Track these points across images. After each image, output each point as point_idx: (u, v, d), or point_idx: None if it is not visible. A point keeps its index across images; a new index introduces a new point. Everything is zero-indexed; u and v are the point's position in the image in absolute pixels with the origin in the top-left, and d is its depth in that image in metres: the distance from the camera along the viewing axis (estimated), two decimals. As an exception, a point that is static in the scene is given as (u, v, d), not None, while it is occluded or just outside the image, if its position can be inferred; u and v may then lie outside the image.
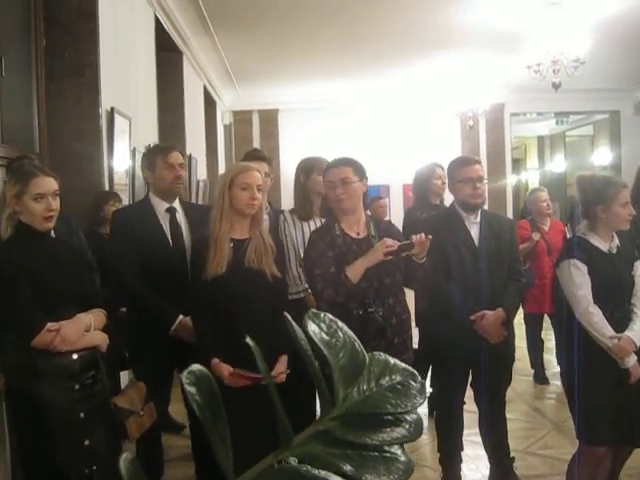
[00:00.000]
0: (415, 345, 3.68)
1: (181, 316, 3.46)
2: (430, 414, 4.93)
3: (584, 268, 3.17)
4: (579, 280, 3.17)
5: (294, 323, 0.73)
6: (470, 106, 10.72)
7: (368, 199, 3.59)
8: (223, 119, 12.36)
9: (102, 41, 4.74)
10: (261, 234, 3.26)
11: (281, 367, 3.10)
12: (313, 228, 3.78)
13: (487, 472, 3.99)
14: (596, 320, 3.12)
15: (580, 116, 14.90)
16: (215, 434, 0.65)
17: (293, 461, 0.73)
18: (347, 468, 0.69)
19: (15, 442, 2.94)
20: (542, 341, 6.25)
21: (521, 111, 13.30)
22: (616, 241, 3.30)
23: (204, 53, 8.81)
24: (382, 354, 0.80)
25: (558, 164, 17.06)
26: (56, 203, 2.77)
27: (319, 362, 0.74)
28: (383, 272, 3.25)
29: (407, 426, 0.75)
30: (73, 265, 2.86)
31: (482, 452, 4.01)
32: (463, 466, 3.99)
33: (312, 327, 0.76)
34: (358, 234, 3.36)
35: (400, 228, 3.92)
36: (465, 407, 4.00)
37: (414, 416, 0.77)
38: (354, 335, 0.79)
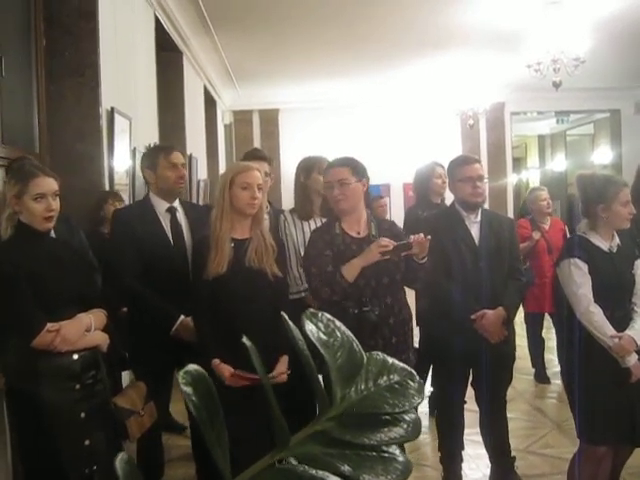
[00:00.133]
0: (416, 344, 3.68)
1: (182, 316, 3.45)
2: (431, 413, 4.93)
3: (584, 267, 3.17)
4: (579, 279, 3.16)
5: (291, 323, 0.73)
6: (470, 105, 10.72)
7: (370, 198, 3.58)
8: (223, 119, 12.35)
9: (102, 41, 4.74)
10: (262, 234, 3.26)
11: (282, 367, 3.10)
12: (313, 227, 3.78)
13: (488, 471, 3.99)
14: (597, 319, 3.11)
15: (581, 115, 14.89)
16: (212, 434, 0.65)
17: (293, 461, 0.73)
18: (345, 468, 0.69)
19: (16, 442, 2.94)
20: (543, 340, 6.24)
21: (521, 110, 13.30)
22: (617, 240, 3.30)
23: (204, 53, 8.81)
24: (380, 354, 0.80)
25: (559, 163, 17.04)
26: (56, 203, 2.77)
27: (317, 362, 0.74)
28: (381, 271, 3.25)
29: (405, 426, 0.75)
30: (73, 265, 2.86)
31: (483, 451, 4.01)
32: (464, 465, 3.99)
33: (310, 327, 0.76)
34: (359, 233, 3.36)
35: (401, 227, 3.92)
36: (466, 406, 4.00)
37: (412, 416, 0.76)
38: (352, 335, 0.79)
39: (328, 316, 0.80)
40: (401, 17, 7.67)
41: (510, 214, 11.72)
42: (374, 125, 12.26)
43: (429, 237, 3.12)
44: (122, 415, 2.92)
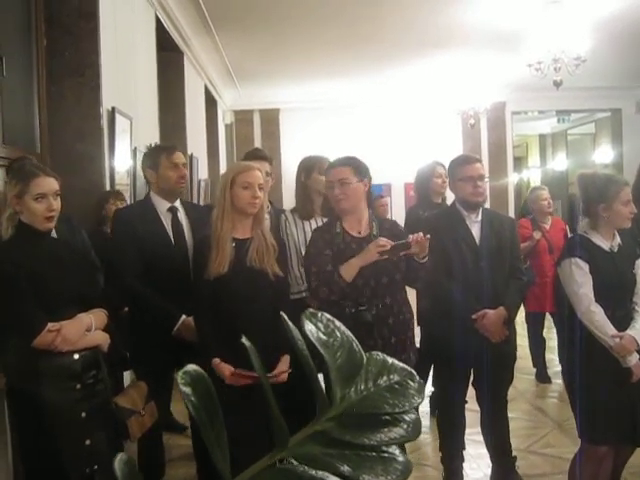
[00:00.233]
0: (417, 344, 3.68)
1: (184, 316, 3.46)
2: (432, 413, 4.93)
3: (585, 267, 3.17)
4: (580, 279, 3.16)
5: (290, 323, 0.73)
6: (471, 105, 10.72)
7: (372, 198, 3.57)
8: (224, 119, 12.35)
9: (103, 41, 4.74)
10: (263, 233, 3.26)
11: (283, 367, 3.09)
12: (314, 227, 3.78)
13: (489, 471, 3.99)
14: (598, 319, 3.11)
15: (582, 114, 14.88)
16: (211, 434, 0.65)
17: (294, 462, 0.72)
18: (344, 468, 0.69)
19: (16, 442, 2.94)
20: (544, 340, 6.24)
21: (522, 109, 13.29)
22: (618, 239, 3.30)
23: (205, 53, 8.80)
24: (380, 354, 0.80)
25: (560, 162, 17.04)
26: (57, 203, 2.77)
27: (316, 362, 0.74)
28: (381, 271, 3.25)
29: (405, 426, 0.75)
30: (74, 265, 2.86)
31: (484, 451, 4.01)
32: (465, 465, 3.99)
33: (309, 327, 0.76)
34: (360, 233, 3.36)
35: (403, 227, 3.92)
36: (467, 406, 4.00)
37: (412, 416, 0.76)
38: (352, 335, 0.79)
39: (328, 316, 0.80)
40: (401, 17, 7.66)
41: (511, 214, 11.72)
42: (375, 125, 12.25)
43: (428, 236, 3.11)
44: (123, 415, 2.92)
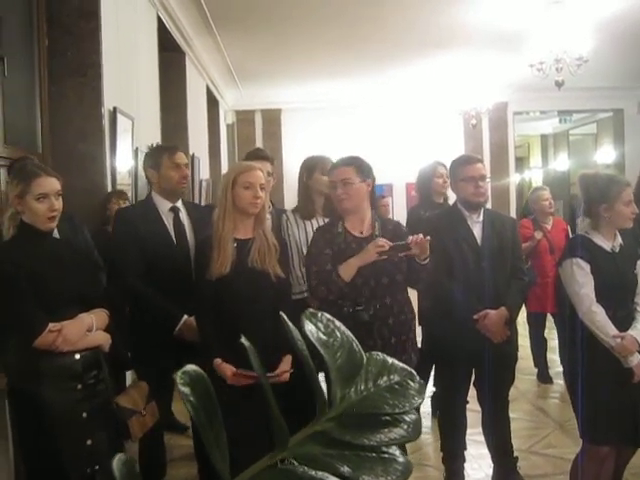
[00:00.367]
0: (418, 344, 3.68)
1: (186, 316, 3.46)
2: (433, 413, 4.93)
3: (587, 267, 3.16)
4: (582, 279, 3.16)
5: (290, 323, 0.73)
6: (473, 105, 10.70)
7: (375, 198, 3.57)
8: (226, 119, 12.35)
9: (104, 41, 4.74)
10: (264, 234, 3.26)
11: (285, 366, 3.09)
12: (315, 227, 3.78)
13: (490, 471, 3.99)
14: (599, 319, 3.11)
15: (583, 114, 14.87)
16: (210, 435, 0.65)
17: (295, 462, 0.72)
18: (344, 469, 0.69)
19: (17, 442, 2.94)
20: (545, 340, 6.24)
21: (524, 110, 13.28)
22: (619, 240, 3.29)
23: (207, 53, 8.81)
24: (380, 354, 0.80)
25: (561, 163, 17.02)
26: (59, 203, 2.77)
27: (316, 362, 0.73)
28: (381, 271, 3.25)
29: (405, 426, 0.75)
30: (74, 265, 2.86)
31: (485, 451, 4.01)
32: (466, 465, 3.99)
33: (309, 327, 0.76)
34: (362, 233, 3.36)
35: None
36: (468, 406, 4.00)
37: (412, 416, 0.76)
38: (352, 335, 0.79)
39: (328, 316, 0.80)
40: (403, 17, 7.66)
41: (512, 214, 11.71)
42: (376, 125, 12.25)
43: (428, 237, 3.11)
44: (124, 415, 2.92)
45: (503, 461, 3.91)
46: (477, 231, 3.73)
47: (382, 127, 12.25)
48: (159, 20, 6.49)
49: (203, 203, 7.90)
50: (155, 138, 5.90)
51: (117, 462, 0.59)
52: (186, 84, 7.93)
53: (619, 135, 13.19)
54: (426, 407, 5.12)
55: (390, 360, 0.80)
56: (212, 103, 10.45)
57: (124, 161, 5.17)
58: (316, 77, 10.70)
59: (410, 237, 3.12)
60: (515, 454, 3.97)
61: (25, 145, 4.22)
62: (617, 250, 3.27)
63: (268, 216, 3.56)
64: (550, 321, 6.09)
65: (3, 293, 2.62)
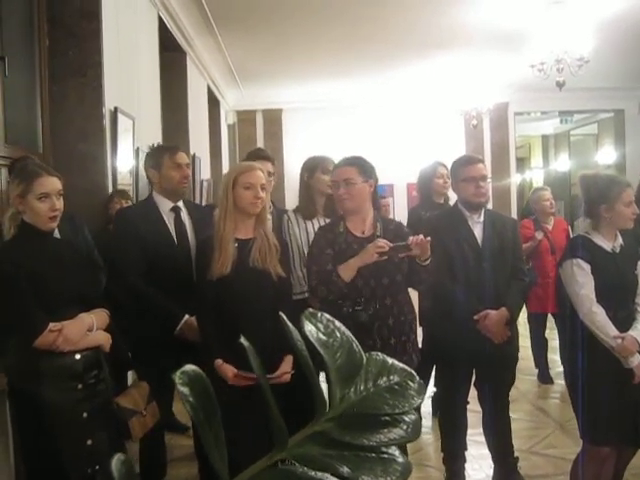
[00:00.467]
0: (419, 344, 3.67)
1: (187, 316, 3.46)
2: (434, 414, 4.93)
3: (587, 267, 3.16)
4: (582, 279, 3.16)
5: (289, 323, 0.73)
6: (474, 105, 10.69)
7: (378, 198, 3.57)
8: (227, 119, 12.35)
9: (105, 41, 4.74)
10: (265, 233, 3.26)
11: (286, 367, 3.09)
12: (316, 227, 3.79)
13: (491, 472, 3.99)
14: (599, 319, 3.11)
15: (584, 115, 14.86)
16: (209, 435, 0.65)
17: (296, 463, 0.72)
18: (344, 469, 0.69)
19: (18, 442, 2.94)
20: (546, 340, 6.24)
21: (525, 110, 13.27)
22: (620, 240, 3.29)
23: (208, 53, 8.81)
24: (380, 354, 0.80)
25: (562, 163, 17.01)
26: (60, 203, 2.77)
27: (316, 362, 0.73)
28: (381, 272, 3.24)
29: (405, 427, 0.74)
30: (75, 265, 2.86)
31: (486, 452, 4.00)
32: (467, 466, 3.99)
33: (309, 327, 0.76)
34: (363, 233, 3.36)
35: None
36: (469, 407, 4.00)
37: (412, 417, 0.76)
38: (352, 335, 0.79)
39: (327, 316, 0.80)
40: (404, 18, 7.66)
41: (513, 214, 11.71)
42: (377, 125, 12.25)
43: (429, 238, 3.11)
44: (124, 415, 2.92)
45: (504, 461, 3.91)
46: (478, 231, 3.73)
47: (383, 127, 12.25)
48: (160, 20, 6.49)
49: (204, 203, 7.90)
50: (156, 138, 5.91)
51: (116, 462, 0.59)
52: (187, 84, 7.93)
53: (620, 136, 13.18)
54: (427, 407, 5.12)
55: (390, 360, 0.80)
56: (213, 103, 10.46)
57: (125, 161, 5.17)
58: (317, 77, 10.70)
59: (411, 238, 3.12)
60: (516, 454, 3.97)
61: (26, 145, 4.23)
62: (617, 250, 3.27)
63: (269, 216, 3.55)
64: (551, 321, 6.09)
65: (3, 293, 2.62)
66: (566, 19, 7.15)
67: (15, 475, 3.23)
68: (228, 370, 3.00)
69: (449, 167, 4.10)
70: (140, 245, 3.56)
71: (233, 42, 8.46)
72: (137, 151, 5.39)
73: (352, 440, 0.71)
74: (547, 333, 6.27)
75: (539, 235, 5.91)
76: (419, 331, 3.70)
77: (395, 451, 0.74)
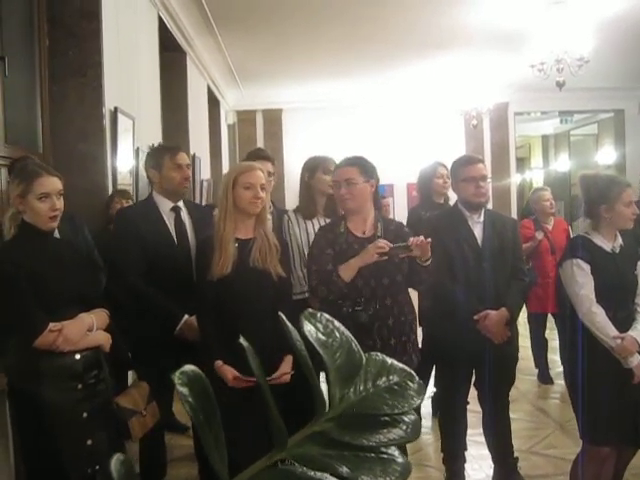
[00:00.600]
0: (419, 345, 3.67)
1: (186, 316, 3.46)
2: (434, 414, 4.93)
3: (587, 268, 3.16)
4: (582, 280, 3.16)
5: (289, 323, 0.73)
6: (474, 105, 10.69)
7: (379, 198, 3.57)
8: (227, 119, 12.35)
9: (105, 41, 4.74)
10: (265, 233, 3.26)
11: (286, 367, 3.09)
12: (317, 227, 3.79)
13: (491, 472, 3.99)
14: (599, 320, 3.11)
15: (584, 115, 14.86)
16: (209, 435, 0.65)
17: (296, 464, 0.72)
18: (343, 469, 0.69)
19: (18, 442, 2.94)
20: (546, 340, 6.24)
21: (525, 110, 13.27)
22: (619, 240, 3.29)
23: (208, 53, 8.81)
24: (379, 354, 0.80)
25: (562, 163, 17.01)
26: (60, 203, 2.77)
27: (315, 362, 0.73)
28: (382, 272, 3.25)
29: (404, 427, 0.74)
30: (75, 265, 2.86)
31: (486, 452, 4.00)
32: (467, 466, 3.99)
33: (308, 327, 0.76)
34: (364, 233, 3.36)
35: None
36: (469, 407, 4.00)
37: (411, 417, 0.76)
38: (351, 335, 0.79)
39: (327, 316, 0.80)
40: (404, 18, 7.66)
41: (513, 214, 11.71)
42: (377, 125, 12.25)
43: (429, 240, 3.11)
44: (124, 415, 2.92)
45: (503, 462, 3.91)
46: (478, 232, 3.73)
47: (383, 127, 12.25)
48: (160, 20, 6.49)
49: (204, 203, 7.90)
50: (156, 138, 5.91)
51: (115, 462, 0.59)
52: (187, 84, 7.93)
53: (620, 136, 13.18)
54: (427, 408, 5.12)
55: (389, 361, 0.80)
56: (213, 103, 10.46)
57: (125, 161, 5.17)
58: (317, 77, 10.70)
59: (411, 239, 3.12)
60: (515, 455, 3.97)
61: (26, 145, 4.23)
62: (617, 251, 3.27)
63: (269, 216, 3.55)
64: (551, 321, 6.09)
65: (3, 293, 2.62)
66: (566, 19, 7.15)
67: (15, 475, 3.22)
68: (228, 372, 3.00)
69: (449, 167, 4.10)
70: (140, 245, 3.56)
71: (233, 42, 8.46)
72: (137, 151, 5.39)
73: (351, 440, 0.71)
74: (547, 333, 6.27)
75: (539, 235, 5.91)
76: (419, 331, 3.70)
77: (394, 451, 0.74)
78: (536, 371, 6.26)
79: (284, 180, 11.15)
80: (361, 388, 0.75)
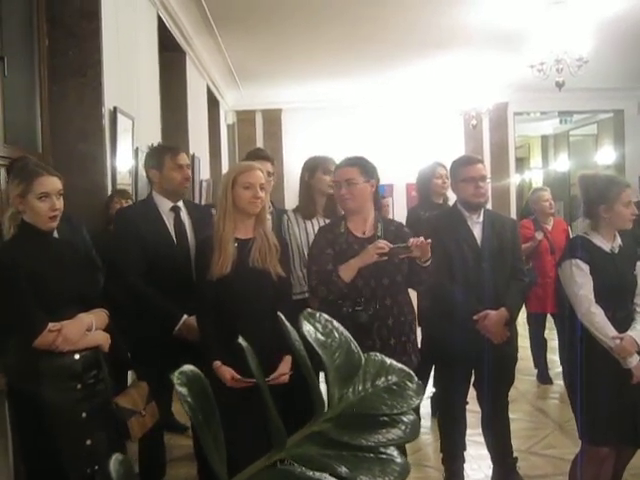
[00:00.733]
0: (418, 345, 3.68)
1: (185, 316, 3.46)
2: (433, 414, 4.93)
3: (586, 268, 3.16)
4: (581, 280, 3.16)
5: (288, 323, 0.73)
6: (473, 105, 10.69)
7: (379, 199, 3.57)
8: (226, 119, 12.35)
9: (104, 41, 4.74)
10: (265, 233, 3.26)
11: (285, 367, 3.09)
12: (316, 227, 3.79)
13: (490, 472, 3.99)
14: (598, 320, 3.11)
15: (584, 115, 14.86)
16: (208, 435, 0.65)
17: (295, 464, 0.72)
18: (342, 469, 0.69)
19: (17, 442, 2.94)
20: (545, 341, 6.24)
21: (524, 110, 13.27)
22: (618, 241, 3.29)
23: (207, 53, 8.81)
24: (378, 354, 0.80)
25: (562, 163, 17.01)
26: (60, 202, 2.77)
27: (314, 362, 0.74)
28: (382, 272, 3.25)
29: (403, 427, 0.75)
30: (74, 265, 2.86)
31: (485, 452, 4.01)
32: (466, 466, 3.99)
33: (307, 327, 0.76)
34: (364, 233, 3.36)
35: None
36: (468, 407, 4.00)
37: (410, 417, 0.76)
38: (350, 335, 0.79)
39: (326, 316, 0.80)
40: (404, 18, 7.66)
41: (513, 214, 11.70)
42: (377, 125, 12.25)
43: (429, 241, 3.11)
44: (124, 415, 2.92)
45: (503, 462, 3.91)
46: (477, 232, 3.73)
47: (383, 127, 12.25)
48: (159, 20, 6.49)
49: (203, 203, 7.90)
50: (155, 138, 5.91)
51: (114, 462, 0.59)
52: (186, 84, 7.93)
53: (619, 136, 13.18)
54: (426, 408, 5.12)
55: (388, 361, 0.80)
56: (212, 103, 10.45)
57: (124, 161, 5.17)
58: (316, 77, 10.70)
59: (411, 240, 3.13)
60: (515, 455, 3.97)
61: (25, 145, 4.23)
62: (616, 251, 3.27)
63: (268, 216, 3.55)
64: (550, 322, 6.09)
65: (3, 293, 2.62)
66: (566, 19, 7.15)
67: (14, 475, 3.22)
68: (226, 373, 3.00)
69: (448, 167, 4.10)
70: (140, 245, 3.56)
71: (233, 42, 8.46)
72: (136, 151, 5.39)
73: (350, 440, 0.71)
74: (546, 333, 6.27)
75: (539, 235, 5.92)
76: (418, 331, 3.70)
77: (393, 451, 0.74)
78: (535, 371, 6.26)
79: (284, 180, 11.15)
80: (360, 388, 0.76)
